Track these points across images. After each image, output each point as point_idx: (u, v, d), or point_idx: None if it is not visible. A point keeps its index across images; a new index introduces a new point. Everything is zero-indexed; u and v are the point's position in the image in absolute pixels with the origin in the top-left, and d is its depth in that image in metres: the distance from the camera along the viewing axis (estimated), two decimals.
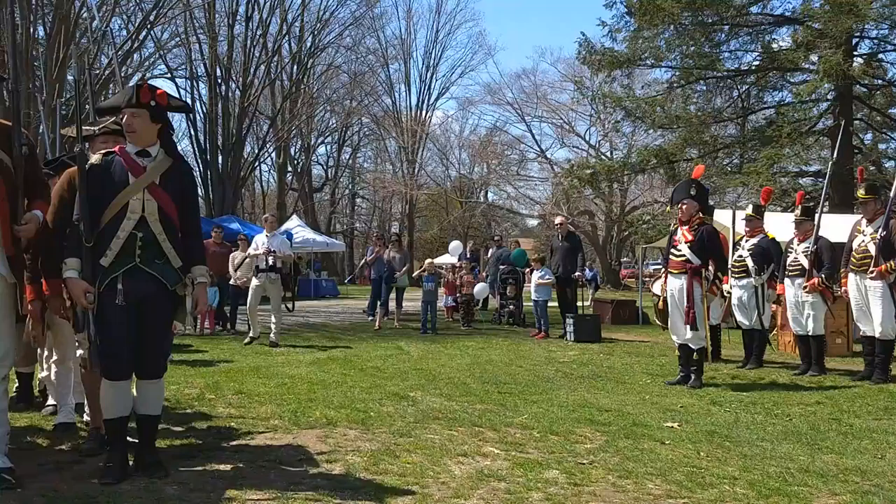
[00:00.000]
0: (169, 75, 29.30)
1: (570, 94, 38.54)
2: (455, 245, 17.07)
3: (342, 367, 7.98)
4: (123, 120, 3.83)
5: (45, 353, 5.19)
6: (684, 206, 7.21)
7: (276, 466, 4.03)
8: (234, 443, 4.57)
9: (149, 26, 20.97)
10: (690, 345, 7.13)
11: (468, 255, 17.16)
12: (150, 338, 3.77)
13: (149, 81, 4.18)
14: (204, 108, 29.48)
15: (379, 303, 13.82)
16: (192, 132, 29.57)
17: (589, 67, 22.29)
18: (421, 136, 42.94)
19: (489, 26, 76.39)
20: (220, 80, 28.89)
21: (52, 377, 5.05)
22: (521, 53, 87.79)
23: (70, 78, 19.06)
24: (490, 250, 17.19)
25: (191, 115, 29.46)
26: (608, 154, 35.69)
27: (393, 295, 13.97)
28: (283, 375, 7.29)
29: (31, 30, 19.47)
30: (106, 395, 3.74)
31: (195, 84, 30.03)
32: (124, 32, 23.62)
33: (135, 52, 22.12)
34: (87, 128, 4.27)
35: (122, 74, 21.89)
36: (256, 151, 33.25)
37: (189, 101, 29.77)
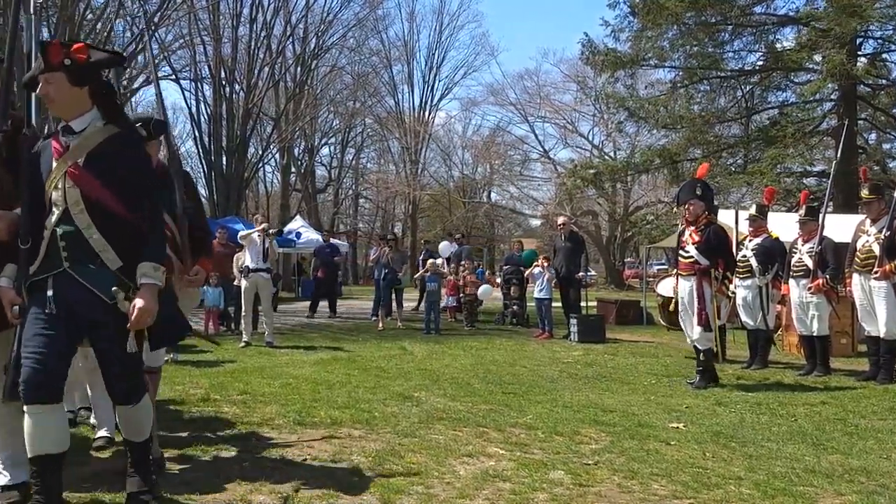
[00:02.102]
0: (174, 77, 29.36)
1: (574, 95, 38.64)
2: (445, 245, 17.09)
3: (346, 368, 7.99)
4: (38, 90, 3.13)
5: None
6: (690, 207, 7.21)
7: (281, 467, 4.03)
8: (240, 443, 4.57)
9: (153, 28, 20.97)
10: (697, 345, 7.13)
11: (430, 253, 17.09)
12: (105, 361, 3.05)
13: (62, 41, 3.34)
14: (208, 110, 29.53)
15: (381, 304, 13.85)
16: (197, 133, 29.63)
17: (592, 68, 22.31)
18: (424, 136, 42.96)
19: (492, 27, 76.37)
20: (224, 82, 28.94)
21: (90, 391, 4.78)
22: (523, 54, 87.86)
23: None
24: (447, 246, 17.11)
25: (195, 116, 29.53)
26: (611, 154, 35.65)
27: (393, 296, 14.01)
28: (287, 376, 7.30)
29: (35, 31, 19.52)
30: (26, 425, 2.94)
31: (199, 86, 30.07)
32: (128, 34, 23.68)
33: (139, 53, 22.12)
34: None
35: (126, 76, 21.96)
36: (260, 153, 33.29)
37: (194, 102, 29.85)
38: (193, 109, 29.69)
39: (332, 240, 20.46)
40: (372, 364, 8.36)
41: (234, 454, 4.28)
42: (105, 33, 21.59)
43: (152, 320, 2.98)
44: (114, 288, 2.94)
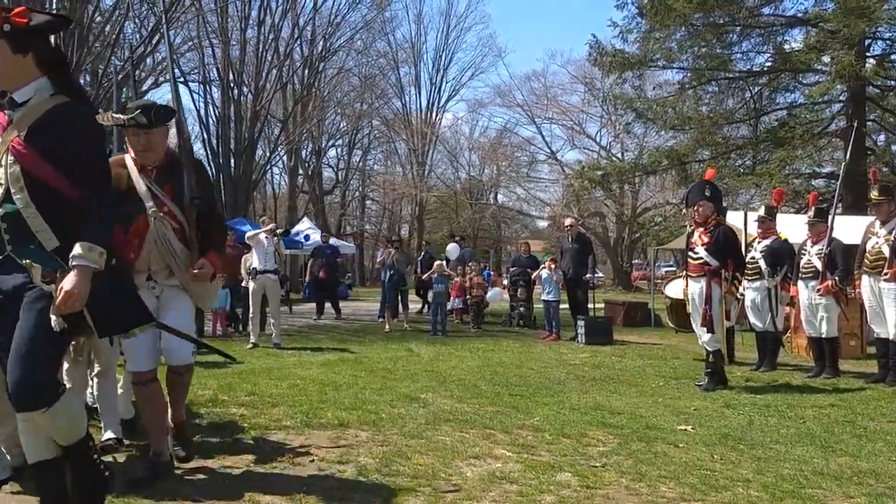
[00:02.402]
0: (182, 79, 29.44)
1: (581, 96, 38.63)
2: (453, 247, 17.10)
3: (353, 369, 7.99)
4: None
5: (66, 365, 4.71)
6: (700, 209, 7.20)
7: (289, 467, 4.04)
8: (248, 443, 4.59)
9: (161, 30, 21.05)
10: (706, 347, 7.12)
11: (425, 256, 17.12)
12: (15, 347, 2.66)
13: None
14: (216, 112, 29.62)
15: (387, 305, 13.87)
16: (205, 136, 29.72)
17: (600, 69, 22.28)
18: (431, 138, 43.00)
19: (499, 28, 76.36)
20: (232, 84, 29.01)
21: (94, 390, 4.61)
22: (530, 55, 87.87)
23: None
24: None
25: (203, 119, 29.64)
26: (619, 155, 35.61)
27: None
28: (294, 377, 7.31)
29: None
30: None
31: (208, 88, 30.17)
32: (137, 36, 23.75)
33: (148, 56, 22.18)
34: (119, 115, 3.89)
35: (136, 78, 22.04)
36: (268, 155, 33.35)
37: (202, 105, 29.94)
38: (202, 112, 29.79)
39: (331, 240, 20.42)
40: (378, 365, 8.36)
41: (242, 455, 4.28)
42: (114, 35, 21.68)
43: (81, 305, 2.66)
44: (26, 261, 2.70)
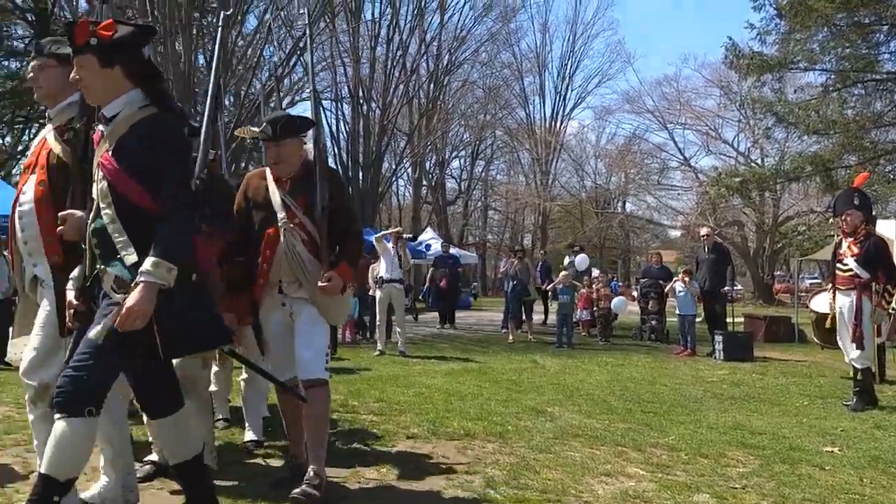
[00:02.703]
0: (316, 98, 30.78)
1: (717, 100, 37.05)
2: (581, 258, 16.74)
3: (477, 380, 7.97)
4: (71, 77, 2.86)
5: (214, 367, 4.81)
6: (848, 217, 6.73)
7: (418, 476, 4.05)
8: (378, 449, 4.65)
9: (298, 52, 22.09)
10: (855, 364, 6.63)
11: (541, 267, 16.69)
12: (75, 351, 2.69)
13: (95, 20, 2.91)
14: (347, 128, 30.74)
15: (510, 316, 13.79)
16: (336, 150, 30.87)
17: (736, 72, 21.29)
18: (555, 146, 42.59)
19: (628, 34, 74.71)
20: (361, 101, 30.00)
21: (243, 395, 4.82)
22: (661, 60, 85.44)
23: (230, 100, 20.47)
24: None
25: (335, 134, 30.82)
26: (758, 161, 33.79)
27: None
28: (420, 385, 7.37)
29: (193, 58, 21.03)
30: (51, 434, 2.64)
31: (339, 105, 31.37)
32: (276, 59, 25.06)
33: (285, 77, 23.37)
34: (253, 129, 3.98)
35: (275, 99, 23.27)
36: (394, 167, 34.19)
37: (334, 121, 31.16)
38: (333, 128, 30.99)
39: (452, 250, 20.54)
40: (503, 377, 8.30)
41: (373, 460, 4.34)
42: (255, 59, 23.00)
43: (142, 323, 2.57)
44: (100, 266, 2.71)
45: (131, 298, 2.57)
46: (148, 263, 2.59)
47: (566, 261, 17.17)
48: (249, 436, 4.68)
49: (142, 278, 2.58)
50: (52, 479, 2.55)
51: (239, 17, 22.31)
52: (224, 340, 2.95)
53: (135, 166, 2.69)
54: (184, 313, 2.69)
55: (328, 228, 3.74)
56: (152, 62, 2.91)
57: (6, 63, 30.41)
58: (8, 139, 30.78)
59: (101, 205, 2.73)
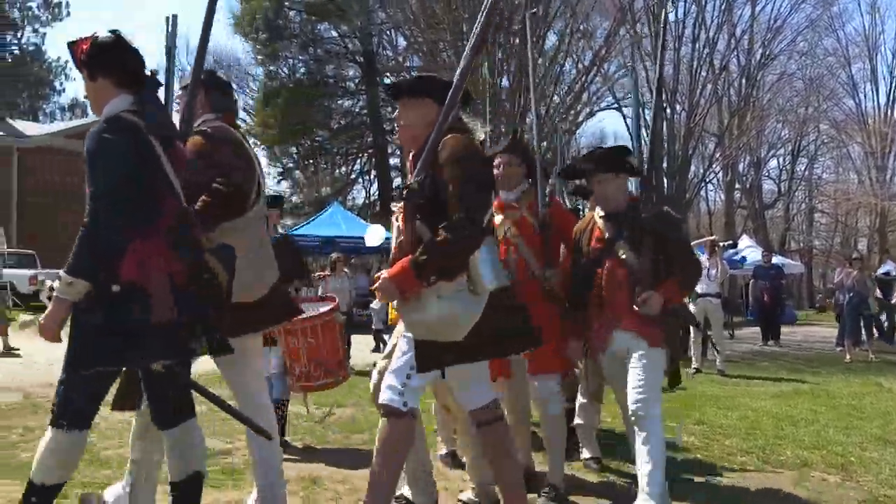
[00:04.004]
0: (616, 106, 30.75)
1: None
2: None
3: (810, 403, 7.34)
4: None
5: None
6: None
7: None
8: (704, 479, 4.51)
9: (597, 64, 22.33)
10: None
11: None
12: None
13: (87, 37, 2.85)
14: (649, 134, 30.18)
15: (846, 332, 12.38)
16: (639, 157, 30.44)
17: None
18: (892, 138, 37.29)
19: None
20: (665, 104, 29.20)
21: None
22: None
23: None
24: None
25: (637, 142, 30.36)
26: None
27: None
28: (744, 407, 7.00)
29: (497, 82, 22.28)
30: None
31: (641, 111, 30.88)
32: (574, 71, 25.55)
33: (584, 90, 23.70)
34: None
35: (573, 114, 23.72)
36: (702, 171, 32.66)
37: (637, 129, 30.74)
38: (634, 135, 30.59)
39: (774, 259, 18.98)
40: (841, 401, 7.54)
41: (699, 490, 4.25)
42: (554, 75, 23.70)
43: (53, 338, 2.60)
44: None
45: (45, 314, 2.63)
46: (60, 278, 2.58)
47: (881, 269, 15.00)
48: (585, 454, 4.70)
49: (54, 293, 2.60)
50: (33, 483, 2.69)
51: (540, 33, 23.20)
52: (150, 359, 2.66)
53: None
54: (95, 327, 2.58)
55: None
56: (135, 68, 2.82)
57: (341, 102, 35.05)
58: (343, 169, 35.40)
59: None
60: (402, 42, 30.65)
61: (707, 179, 35.09)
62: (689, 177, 30.39)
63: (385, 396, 2.98)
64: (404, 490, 3.69)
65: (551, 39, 24.90)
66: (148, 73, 2.89)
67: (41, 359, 9.29)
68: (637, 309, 3.59)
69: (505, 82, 23.28)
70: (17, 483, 3.93)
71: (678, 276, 3.65)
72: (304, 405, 5.19)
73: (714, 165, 32.96)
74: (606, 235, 3.75)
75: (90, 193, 2.59)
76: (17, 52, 41.31)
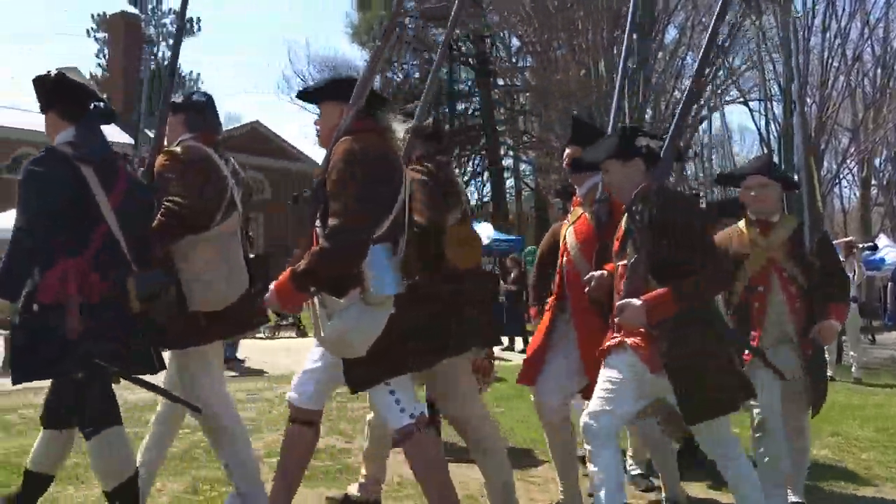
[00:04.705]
0: (742, 100, 29.56)
1: None
2: None
3: None
4: None
5: None
6: None
7: None
8: (837, 494, 4.30)
9: (720, 57, 21.51)
10: None
11: None
12: None
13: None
14: (777, 129, 28.71)
15: None
16: (767, 152, 29.03)
17: None
18: None
19: None
20: (794, 98, 27.72)
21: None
22: None
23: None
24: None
25: (764, 137, 29.00)
26: None
27: None
28: (882, 418, 6.58)
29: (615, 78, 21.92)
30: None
31: (769, 105, 29.50)
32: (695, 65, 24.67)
33: (709, 84, 22.87)
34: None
35: (695, 109, 22.95)
36: (835, 167, 30.77)
37: (763, 122, 29.38)
38: (762, 130, 29.21)
39: None
40: None
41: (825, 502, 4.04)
42: (675, 69, 23.02)
43: None
44: None
45: None
46: None
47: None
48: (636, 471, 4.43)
49: None
50: (30, 471, 3.12)
51: (658, 28, 22.59)
52: (73, 370, 2.85)
53: None
54: (23, 342, 2.86)
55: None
56: (82, 104, 3.07)
57: (455, 105, 35.38)
58: (457, 171, 35.58)
59: None
60: (515, 43, 30.65)
61: (841, 176, 33.04)
62: (821, 173, 28.73)
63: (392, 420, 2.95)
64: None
65: (671, 33, 24.20)
66: (96, 105, 3.09)
67: None
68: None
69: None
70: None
71: (700, 273, 2.90)
72: None
73: (848, 161, 30.99)
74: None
75: (16, 219, 2.86)
76: (153, 66, 44.34)
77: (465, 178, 35.91)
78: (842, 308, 3.60)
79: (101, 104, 3.12)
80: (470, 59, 34.67)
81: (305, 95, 3.26)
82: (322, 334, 2.79)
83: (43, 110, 3.08)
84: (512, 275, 13.63)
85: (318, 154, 24.14)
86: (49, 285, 2.81)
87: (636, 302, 2.85)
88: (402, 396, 2.87)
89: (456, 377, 3.34)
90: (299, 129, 75.33)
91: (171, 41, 46.92)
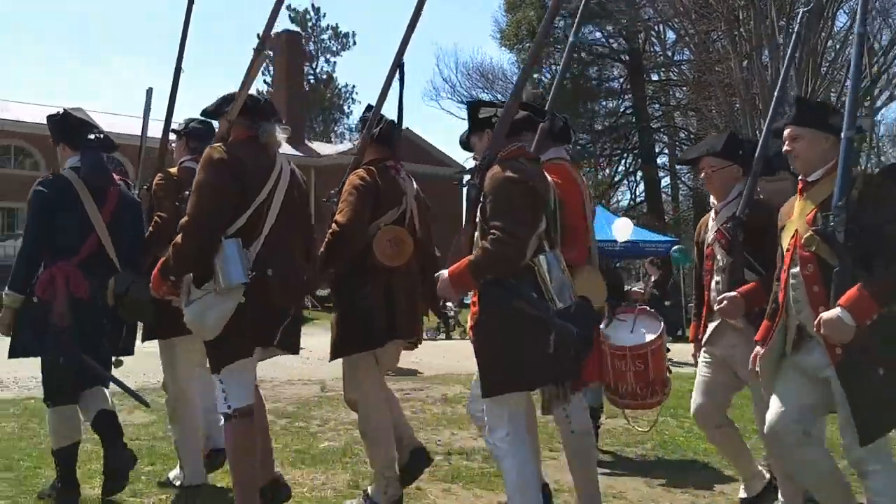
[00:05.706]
0: None
1: None
2: None
3: None
4: None
5: None
6: None
7: None
8: None
9: None
10: None
11: None
12: None
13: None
14: None
15: None
16: None
17: None
18: None
19: None
20: None
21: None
22: None
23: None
24: None
25: None
26: None
27: None
28: None
29: (781, 67, 20.49)
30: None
31: None
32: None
33: (883, 73, 20.94)
34: None
35: (869, 99, 21.04)
36: None
37: None
38: None
39: None
40: None
41: None
42: (846, 58, 21.23)
43: (5, 333, 3.65)
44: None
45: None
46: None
47: None
48: None
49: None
50: (53, 449, 3.68)
51: (828, 15, 20.85)
52: (43, 352, 3.58)
53: None
54: (20, 327, 3.61)
55: None
56: (81, 136, 3.75)
57: (605, 103, 34.49)
58: (607, 171, 34.68)
59: None
60: (671, 36, 29.49)
61: None
62: None
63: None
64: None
65: (841, 20, 22.33)
66: (97, 137, 3.77)
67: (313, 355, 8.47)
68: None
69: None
70: (318, 471, 4.43)
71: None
72: (625, 419, 5.04)
73: None
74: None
75: (24, 229, 3.71)
76: (312, 80, 46.79)
77: (616, 178, 34.90)
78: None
79: (102, 136, 3.80)
80: (622, 56, 33.77)
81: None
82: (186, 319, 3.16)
83: (54, 142, 3.82)
84: (652, 278, 12.57)
85: (460, 156, 24.21)
86: (44, 282, 3.51)
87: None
88: (229, 387, 3.13)
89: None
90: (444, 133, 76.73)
91: (328, 55, 49.62)
